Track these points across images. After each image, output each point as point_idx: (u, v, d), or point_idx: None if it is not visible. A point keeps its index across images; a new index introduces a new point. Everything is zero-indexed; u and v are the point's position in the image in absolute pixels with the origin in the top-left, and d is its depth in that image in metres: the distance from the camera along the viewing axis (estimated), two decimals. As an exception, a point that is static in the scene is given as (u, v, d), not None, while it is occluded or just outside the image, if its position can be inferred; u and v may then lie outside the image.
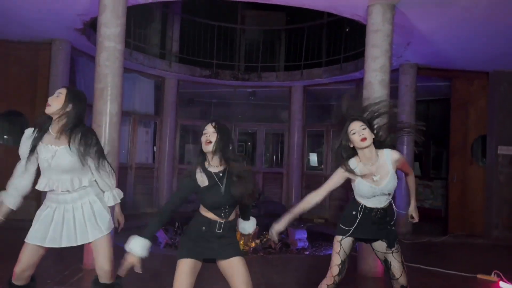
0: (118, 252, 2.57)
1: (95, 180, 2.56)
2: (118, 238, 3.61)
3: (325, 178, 8.90)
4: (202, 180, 2.33)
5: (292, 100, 9.37)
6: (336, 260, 2.66)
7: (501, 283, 4.40)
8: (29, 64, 6.93)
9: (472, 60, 6.76)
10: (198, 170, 2.35)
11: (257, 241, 6.33)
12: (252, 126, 10.32)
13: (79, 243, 2.47)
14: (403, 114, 7.16)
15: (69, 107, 2.44)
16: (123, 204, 2.76)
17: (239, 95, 9.87)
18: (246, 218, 2.62)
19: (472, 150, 7.55)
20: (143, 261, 2.28)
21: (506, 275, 4.48)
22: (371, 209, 2.65)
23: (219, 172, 2.34)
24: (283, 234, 6.89)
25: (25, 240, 2.44)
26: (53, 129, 2.47)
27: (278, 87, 9.44)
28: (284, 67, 9.66)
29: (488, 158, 7.41)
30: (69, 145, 2.41)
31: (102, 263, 2.50)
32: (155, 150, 9.19)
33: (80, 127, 2.47)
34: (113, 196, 2.63)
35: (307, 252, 6.38)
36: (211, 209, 2.34)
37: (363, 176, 2.60)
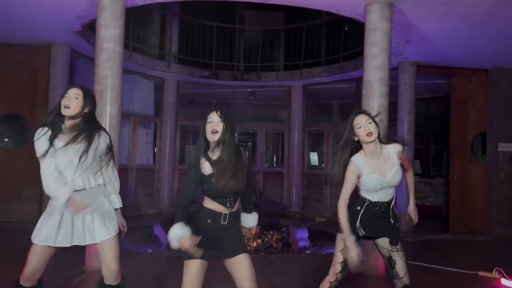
0: (120, 253, 2.59)
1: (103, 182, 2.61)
2: (120, 240, 3.61)
3: (326, 177, 8.97)
4: (205, 168, 2.33)
5: (292, 100, 9.37)
6: (339, 258, 2.66)
7: (503, 280, 4.40)
8: (29, 67, 6.94)
9: (471, 57, 6.75)
10: (201, 159, 2.35)
11: (259, 241, 6.33)
12: (252, 126, 10.33)
13: (87, 243, 2.49)
14: (403, 112, 7.18)
15: (87, 109, 2.51)
16: (124, 205, 2.77)
17: (239, 95, 9.88)
18: (248, 211, 2.60)
19: (472, 148, 7.55)
20: (192, 239, 2.23)
21: (508, 272, 4.48)
22: (375, 203, 2.65)
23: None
24: (284, 234, 6.90)
25: (35, 241, 2.43)
26: (68, 128, 2.49)
27: (278, 87, 9.44)
28: (283, 66, 9.66)
29: (488, 155, 7.42)
30: (89, 145, 2.46)
31: (109, 263, 2.51)
32: (155, 151, 9.20)
33: (99, 128, 2.58)
34: (118, 199, 2.68)
35: (309, 252, 6.38)
36: (216, 198, 2.33)
37: (371, 170, 2.61)
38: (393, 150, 2.67)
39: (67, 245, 2.45)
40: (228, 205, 2.35)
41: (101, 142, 2.56)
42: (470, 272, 4.71)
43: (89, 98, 2.54)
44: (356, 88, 8.33)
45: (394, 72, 6.37)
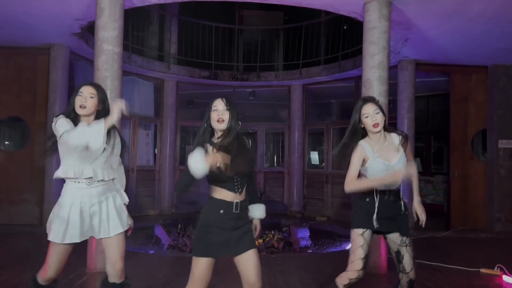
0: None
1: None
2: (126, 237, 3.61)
3: (327, 176, 8.97)
4: (211, 153, 2.31)
5: (292, 99, 9.39)
6: (360, 254, 2.64)
7: (505, 277, 4.40)
8: (28, 69, 6.96)
9: (471, 54, 6.75)
10: (206, 144, 2.36)
11: (260, 240, 6.34)
12: (252, 126, 10.33)
13: (101, 237, 2.52)
14: (403, 110, 7.18)
15: (101, 107, 2.56)
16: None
17: (239, 95, 9.87)
18: (254, 201, 2.59)
19: (472, 145, 7.55)
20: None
21: (509, 269, 4.48)
22: (383, 192, 2.66)
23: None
24: (286, 233, 6.90)
25: (59, 241, 2.43)
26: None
27: (278, 86, 9.45)
28: (283, 66, 9.67)
29: (488, 152, 7.42)
30: (107, 141, 2.47)
31: (115, 260, 2.53)
32: (156, 152, 9.21)
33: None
34: (125, 195, 2.72)
35: (310, 251, 6.38)
36: (224, 182, 2.32)
37: (377, 154, 2.65)
38: (397, 137, 2.75)
39: (85, 238, 2.49)
40: (236, 189, 2.34)
41: (116, 137, 2.63)
42: (472, 269, 4.71)
43: (103, 94, 2.59)
44: (355, 87, 8.33)
45: (393, 70, 6.37)
